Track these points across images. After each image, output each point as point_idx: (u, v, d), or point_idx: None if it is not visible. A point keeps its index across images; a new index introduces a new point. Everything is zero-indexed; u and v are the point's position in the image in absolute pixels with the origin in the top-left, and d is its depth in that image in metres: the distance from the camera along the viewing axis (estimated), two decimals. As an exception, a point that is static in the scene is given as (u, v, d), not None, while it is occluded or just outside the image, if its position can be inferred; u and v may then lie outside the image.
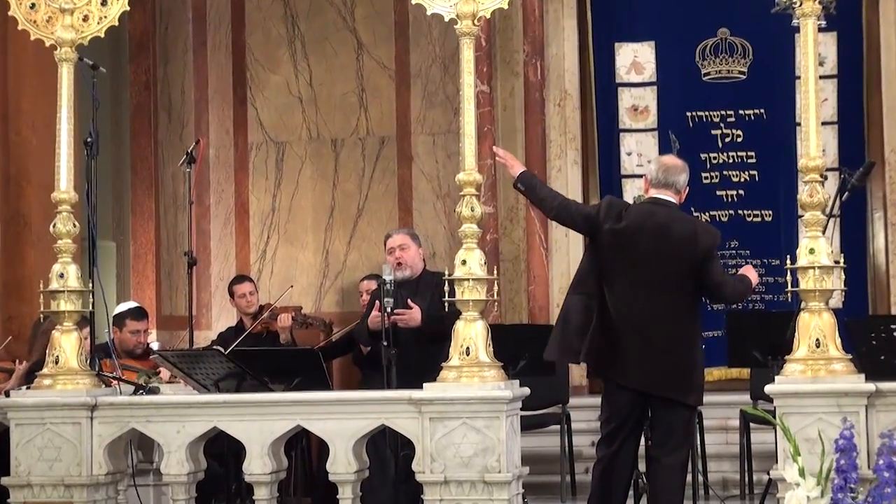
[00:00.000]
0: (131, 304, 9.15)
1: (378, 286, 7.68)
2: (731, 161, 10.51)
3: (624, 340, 6.54)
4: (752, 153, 10.49)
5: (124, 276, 10.79)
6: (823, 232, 5.82)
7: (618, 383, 6.62)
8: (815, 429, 5.57)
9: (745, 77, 10.51)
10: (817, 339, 5.74)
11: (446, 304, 6.22)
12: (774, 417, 5.66)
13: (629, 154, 10.64)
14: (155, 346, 9.28)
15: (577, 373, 9.85)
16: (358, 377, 9.39)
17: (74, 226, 6.48)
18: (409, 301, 7.62)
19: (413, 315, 7.59)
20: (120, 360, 7.35)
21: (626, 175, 10.60)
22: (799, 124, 7.54)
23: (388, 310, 7.42)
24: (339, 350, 9.51)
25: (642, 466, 6.94)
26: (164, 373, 7.67)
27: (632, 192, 10.45)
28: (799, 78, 6.16)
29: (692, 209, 10.16)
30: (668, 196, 6.70)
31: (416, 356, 7.22)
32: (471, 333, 6.02)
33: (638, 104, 10.64)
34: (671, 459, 6.58)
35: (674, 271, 6.54)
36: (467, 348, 6.01)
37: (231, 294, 9.77)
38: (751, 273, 6.81)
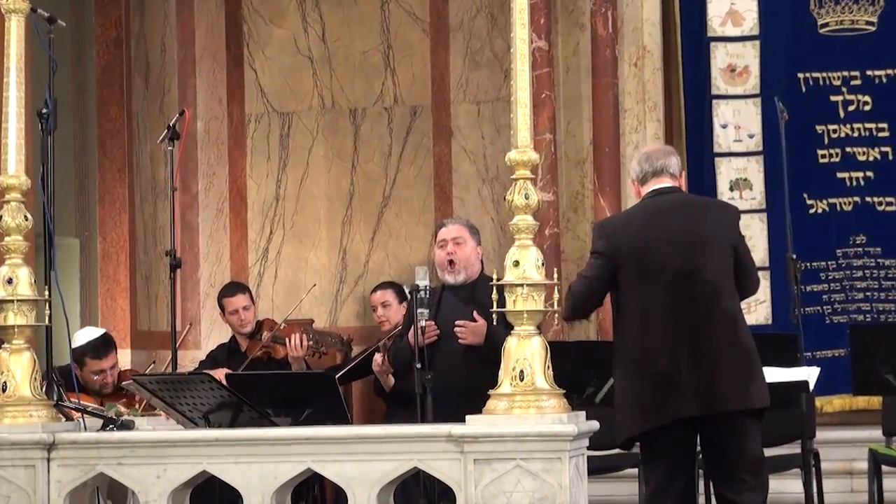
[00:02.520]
0: (91, 335, 8.85)
1: (410, 294, 7.66)
2: (856, 135, 10.46)
3: (664, 367, 6.58)
4: (884, 125, 10.44)
5: (90, 282, 10.81)
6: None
7: (655, 446, 6.65)
8: (965, 473, 5.56)
9: (874, 29, 10.46)
10: (968, 360, 5.73)
11: (494, 316, 6.20)
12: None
13: (724, 126, 10.61)
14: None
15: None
16: (383, 408, 9.39)
17: (26, 218, 6.51)
18: (475, 314, 7.61)
19: (477, 329, 7.58)
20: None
21: (720, 153, 10.56)
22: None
23: (423, 324, 7.41)
24: (361, 372, 9.50)
25: None
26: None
27: (727, 173, 10.43)
28: (944, 29, 6.12)
29: (805, 196, 10.12)
30: (665, 183, 6.82)
31: (457, 381, 7.21)
32: (525, 353, 6.01)
33: (736, 64, 10.60)
34: (748, 499, 6.59)
35: (704, 254, 6.64)
36: (521, 371, 6.00)
37: (221, 308, 9.77)
38: None
